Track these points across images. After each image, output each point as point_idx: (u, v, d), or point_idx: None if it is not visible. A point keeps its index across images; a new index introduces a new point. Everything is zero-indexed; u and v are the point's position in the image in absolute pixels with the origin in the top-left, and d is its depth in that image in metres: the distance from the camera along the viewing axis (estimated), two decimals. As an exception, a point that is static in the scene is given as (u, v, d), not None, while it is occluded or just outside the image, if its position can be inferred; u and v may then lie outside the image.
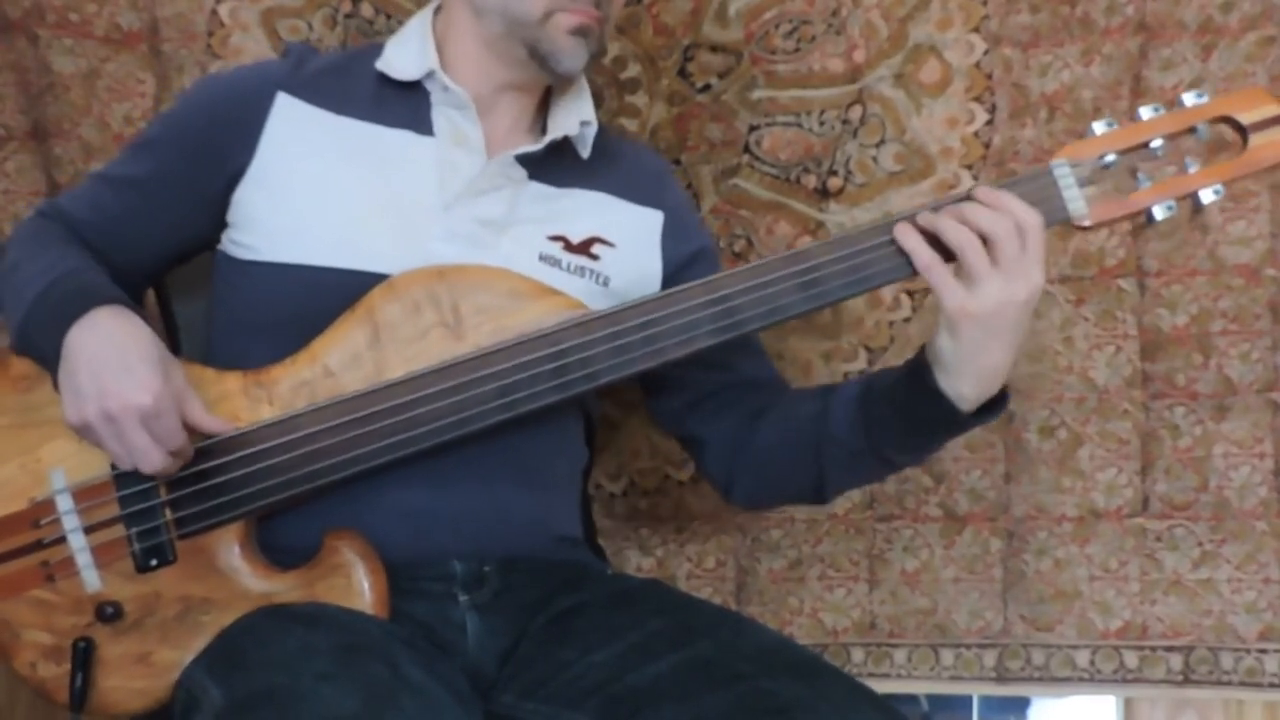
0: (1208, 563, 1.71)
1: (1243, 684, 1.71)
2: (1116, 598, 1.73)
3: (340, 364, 1.17)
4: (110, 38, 1.70)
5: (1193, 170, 1.14)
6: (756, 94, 1.73)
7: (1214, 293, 1.69)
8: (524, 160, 1.28)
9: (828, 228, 1.72)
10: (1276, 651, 1.71)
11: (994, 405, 1.16)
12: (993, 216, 1.09)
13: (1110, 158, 1.13)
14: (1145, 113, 1.14)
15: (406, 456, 1.16)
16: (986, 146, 1.70)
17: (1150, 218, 1.15)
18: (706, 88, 1.74)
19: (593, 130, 1.32)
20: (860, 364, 1.74)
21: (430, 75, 1.27)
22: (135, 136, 1.37)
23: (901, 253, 1.12)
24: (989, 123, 1.70)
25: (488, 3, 1.25)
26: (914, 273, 1.12)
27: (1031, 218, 1.09)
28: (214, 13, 1.70)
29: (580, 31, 1.23)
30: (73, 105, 1.70)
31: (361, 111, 1.28)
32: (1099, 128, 1.14)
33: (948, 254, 1.11)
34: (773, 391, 1.34)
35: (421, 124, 1.28)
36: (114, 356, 1.09)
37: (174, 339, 1.45)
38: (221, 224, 1.28)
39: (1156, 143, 1.14)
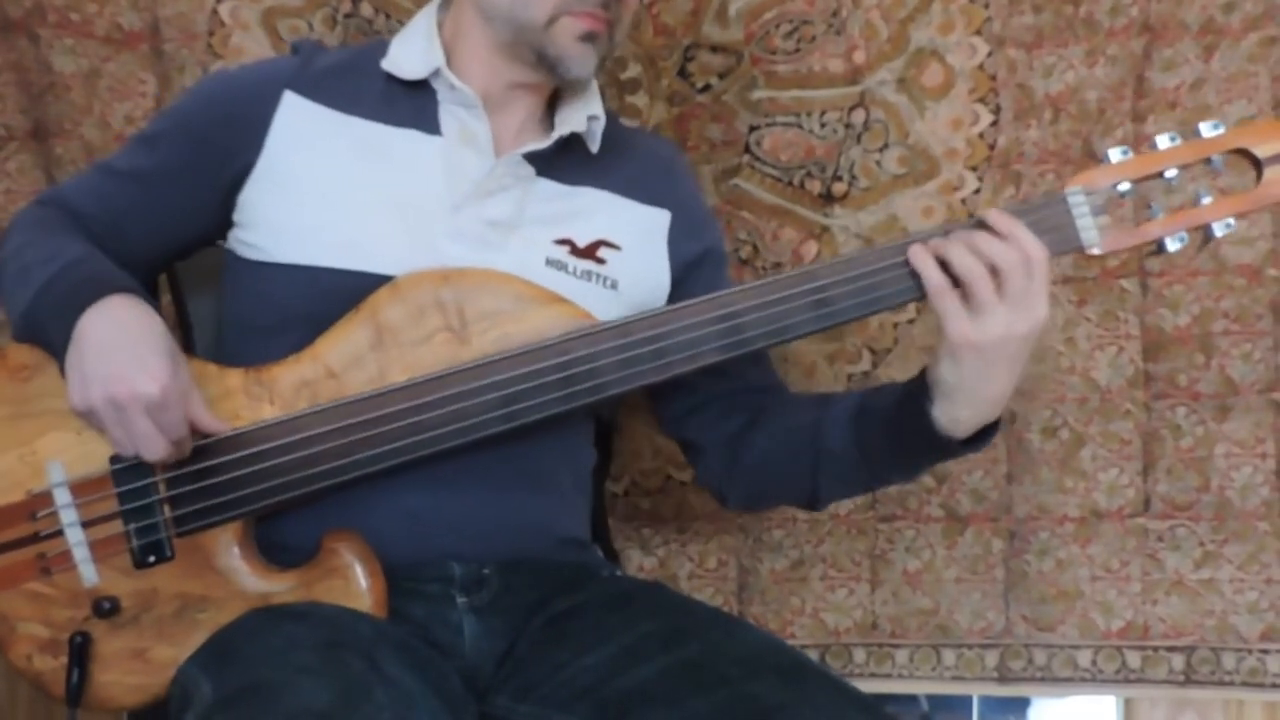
0: (1209, 563, 1.71)
1: (1245, 684, 1.71)
2: (1118, 598, 1.73)
3: (342, 365, 1.16)
4: (111, 37, 1.70)
5: (1206, 202, 1.13)
6: (757, 94, 1.73)
7: (1216, 293, 1.69)
8: (532, 158, 1.27)
9: (833, 233, 1.72)
10: (1278, 652, 1.71)
11: (986, 431, 1.16)
12: (1003, 248, 1.08)
13: (1124, 186, 1.12)
14: (1161, 142, 1.13)
15: (408, 462, 1.15)
16: (991, 148, 1.70)
17: (1161, 248, 1.14)
18: (707, 88, 1.73)
19: (601, 125, 1.31)
20: (864, 366, 1.74)
21: (436, 74, 1.26)
22: (141, 129, 1.37)
23: (913, 275, 1.12)
24: (994, 124, 1.70)
25: (495, 8, 1.24)
26: (922, 295, 1.12)
27: (1038, 251, 1.08)
28: (214, 12, 1.70)
29: (588, 37, 1.23)
30: (74, 105, 1.70)
31: (369, 111, 1.27)
32: (1114, 155, 1.13)
33: (954, 281, 1.10)
34: (772, 397, 1.33)
35: (428, 123, 1.27)
36: (126, 345, 1.09)
37: (186, 335, 1.44)
38: (225, 221, 1.28)
39: (1171, 172, 1.12)
